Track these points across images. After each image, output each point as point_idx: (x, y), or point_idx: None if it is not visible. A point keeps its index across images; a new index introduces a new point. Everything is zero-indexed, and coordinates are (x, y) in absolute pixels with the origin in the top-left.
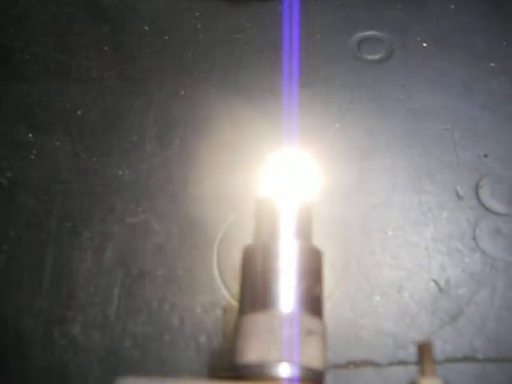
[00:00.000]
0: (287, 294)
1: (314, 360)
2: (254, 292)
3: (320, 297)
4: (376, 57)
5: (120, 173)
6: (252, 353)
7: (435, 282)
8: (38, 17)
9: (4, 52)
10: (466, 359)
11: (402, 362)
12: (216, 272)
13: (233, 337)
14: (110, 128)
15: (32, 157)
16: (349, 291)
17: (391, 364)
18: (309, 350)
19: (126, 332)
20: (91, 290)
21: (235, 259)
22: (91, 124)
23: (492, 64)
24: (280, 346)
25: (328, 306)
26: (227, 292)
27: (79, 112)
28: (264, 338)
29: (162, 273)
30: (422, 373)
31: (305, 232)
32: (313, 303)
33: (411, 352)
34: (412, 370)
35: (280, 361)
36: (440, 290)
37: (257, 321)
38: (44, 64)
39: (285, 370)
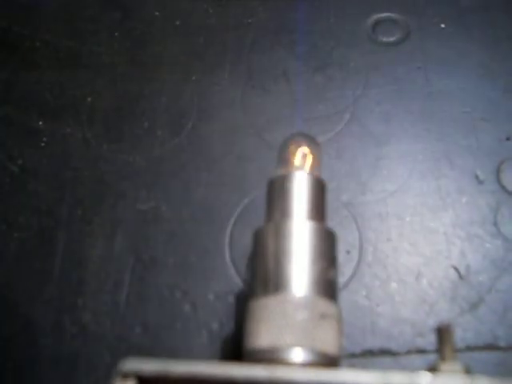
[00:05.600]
0: (300, 276)
1: (328, 345)
2: (266, 275)
3: (334, 280)
4: (392, 39)
5: (131, 159)
6: (264, 337)
7: (455, 268)
8: (48, 4)
9: (14, 39)
10: (488, 347)
11: (421, 351)
12: (228, 258)
13: (244, 321)
14: (120, 114)
15: (42, 144)
16: (365, 278)
17: (409, 352)
18: (322, 334)
19: (137, 319)
20: (102, 277)
21: (248, 245)
22: (102, 110)
23: None
24: (293, 330)
25: (344, 294)
26: (240, 279)
27: (90, 99)
28: (276, 322)
29: (173, 259)
30: (442, 357)
31: (318, 213)
32: (327, 286)
33: (430, 340)
34: (431, 358)
35: (293, 345)
36: (460, 276)
37: (268, 305)
38: (54, 51)
39: (297, 354)
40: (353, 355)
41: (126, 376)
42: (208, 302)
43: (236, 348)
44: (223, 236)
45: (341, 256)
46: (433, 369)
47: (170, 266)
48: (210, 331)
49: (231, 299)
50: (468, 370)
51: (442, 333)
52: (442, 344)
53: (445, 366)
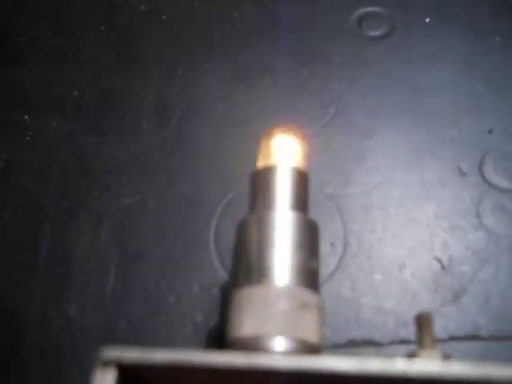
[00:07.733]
0: (282, 266)
1: (310, 333)
2: (248, 265)
3: (316, 269)
4: (377, 33)
5: (117, 153)
6: (246, 327)
7: (437, 259)
8: None
9: None
10: (470, 337)
11: (404, 341)
12: (213, 251)
13: (227, 311)
14: (106, 108)
15: (28, 138)
16: (349, 270)
17: (392, 343)
18: (304, 323)
19: (122, 311)
20: (87, 269)
21: (233, 238)
22: (87, 105)
23: (496, 38)
24: (274, 319)
25: (329, 285)
26: (225, 271)
27: (75, 93)
28: (258, 311)
29: (158, 252)
30: (421, 345)
31: (300, 204)
32: (308, 276)
33: (413, 330)
34: (413, 348)
35: (275, 334)
36: (442, 267)
37: (251, 294)
38: (40, 46)
39: (279, 343)
40: (337, 345)
41: (106, 364)
42: (193, 294)
43: (220, 339)
44: (208, 229)
45: (325, 248)
46: (412, 356)
47: (155, 258)
48: (194, 323)
49: (216, 291)
50: (447, 357)
51: (422, 321)
52: (422, 332)
53: (423, 354)
